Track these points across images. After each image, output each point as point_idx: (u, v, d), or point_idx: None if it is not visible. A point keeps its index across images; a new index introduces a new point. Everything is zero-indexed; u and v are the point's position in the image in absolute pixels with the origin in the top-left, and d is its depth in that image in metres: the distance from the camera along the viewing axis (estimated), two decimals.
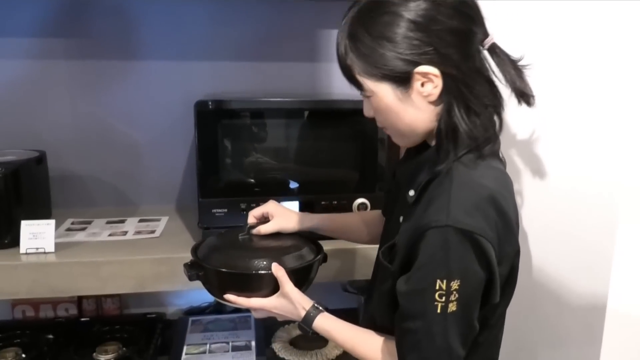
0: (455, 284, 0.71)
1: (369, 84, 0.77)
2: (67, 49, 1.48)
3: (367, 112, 0.83)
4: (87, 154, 1.53)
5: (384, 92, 0.77)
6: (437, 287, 0.71)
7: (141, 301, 1.61)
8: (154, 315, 1.54)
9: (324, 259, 1.02)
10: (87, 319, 1.52)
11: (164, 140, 1.56)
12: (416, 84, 0.75)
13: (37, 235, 1.20)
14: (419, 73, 0.74)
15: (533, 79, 0.82)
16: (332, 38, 1.58)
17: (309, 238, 1.04)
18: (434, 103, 0.76)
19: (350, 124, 1.28)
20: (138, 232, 1.34)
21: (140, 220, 1.43)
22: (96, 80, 1.51)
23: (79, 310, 1.55)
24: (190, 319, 1.55)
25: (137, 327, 1.47)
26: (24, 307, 1.53)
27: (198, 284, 1.00)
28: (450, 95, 0.75)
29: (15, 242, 1.20)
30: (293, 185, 1.29)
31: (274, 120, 1.29)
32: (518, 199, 1.06)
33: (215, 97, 1.25)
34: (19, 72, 1.47)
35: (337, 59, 0.80)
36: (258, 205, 1.23)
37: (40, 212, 1.36)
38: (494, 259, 0.73)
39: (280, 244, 0.99)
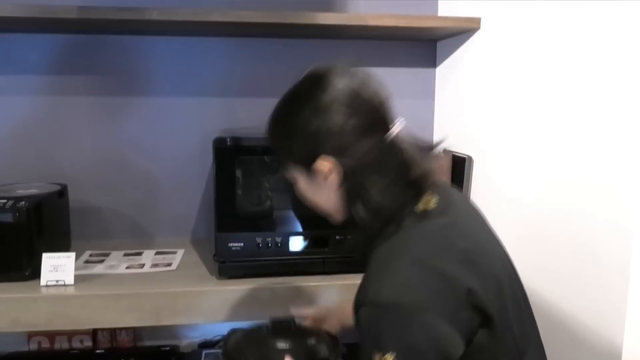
0: (390, 357, 0.71)
1: (289, 170, 0.87)
2: (88, 86, 1.54)
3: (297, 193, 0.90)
4: (106, 186, 1.57)
5: (298, 177, 0.86)
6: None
7: (155, 333, 1.62)
8: (167, 348, 1.55)
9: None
10: (102, 350, 1.53)
11: (180, 173, 1.59)
12: (318, 172, 0.81)
13: (57, 267, 1.22)
14: (319, 162, 0.80)
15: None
16: None
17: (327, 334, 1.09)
18: (339, 188, 0.82)
19: None
20: (155, 265, 1.36)
21: (157, 253, 1.45)
22: (116, 115, 1.56)
23: (94, 342, 1.56)
24: (204, 351, 1.55)
25: (152, 359, 1.47)
26: (40, 338, 1.54)
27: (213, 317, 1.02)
28: (349, 182, 0.80)
29: (35, 274, 1.22)
30: (309, 220, 1.31)
31: None
32: (526, 243, 1.08)
33: (231, 134, 1.29)
34: (42, 108, 1.53)
35: None
36: (274, 240, 1.26)
37: (60, 244, 1.39)
38: (428, 320, 0.73)
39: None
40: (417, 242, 0.79)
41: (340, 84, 0.82)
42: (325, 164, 0.80)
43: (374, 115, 0.82)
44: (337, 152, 0.80)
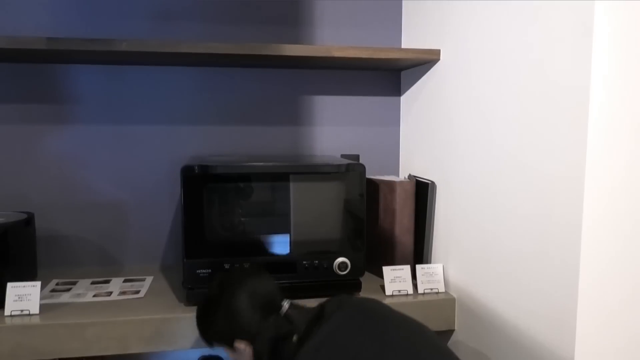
0: None
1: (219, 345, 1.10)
2: (56, 114, 1.54)
3: None
4: (74, 214, 1.57)
5: (226, 350, 1.08)
6: None
7: None
8: None
9: None
10: None
11: (150, 200, 1.60)
12: (238, 349, 1.05)
13: (22, 297, 1.21)
14: (237, 343, 1.05)
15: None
16: (312, 103, 1.69)
17: None
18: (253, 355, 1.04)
19: (333, 186, 1.35)
20: (123, 293, 1.36)
21: (125, 280, 1.45)
22: (84, 143, 1.56)
23: None
24: None
25: None
26: None
27: (180, 344, 1.03)
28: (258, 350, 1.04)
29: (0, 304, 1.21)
30: (276, 246, 1.33)
31: (257, 184, 1.34)
32: (487, 265, 1.13)
33: (200, 162, 1.31)
34: (9, 137, 1.53)
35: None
36: (242, 265, 1.28)
37: (26, 272, 1.38)
38: None
39: None
40: None
41: (244, 289, 1.06)
42: (241, 344, 1.04)
43: (270, 304, 1.06)
44: (248, 337, 1.04)
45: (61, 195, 1.56)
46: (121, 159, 1.58)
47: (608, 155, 0.91)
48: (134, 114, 1.58)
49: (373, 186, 1.51)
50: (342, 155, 1.67)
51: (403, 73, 1.71)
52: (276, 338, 1.02)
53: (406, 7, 1.68)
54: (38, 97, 1.53)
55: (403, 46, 1.69)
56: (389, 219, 1.47)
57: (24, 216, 1.39)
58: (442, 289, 1.38)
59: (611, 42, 0.90)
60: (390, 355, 0.89)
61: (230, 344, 1.06)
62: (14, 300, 1.21)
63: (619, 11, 0.89)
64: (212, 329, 1.09)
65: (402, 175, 1.72)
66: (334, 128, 1.70)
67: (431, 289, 1.37)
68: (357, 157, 1.66)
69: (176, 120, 1.60)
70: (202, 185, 1.27)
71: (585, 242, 0.92)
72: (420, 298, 1.35)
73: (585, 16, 0.90)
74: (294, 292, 1.30)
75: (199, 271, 1.27)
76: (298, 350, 0.96)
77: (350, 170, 1.33)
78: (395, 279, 1.36)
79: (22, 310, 1.20)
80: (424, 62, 1.50)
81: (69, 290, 1.37)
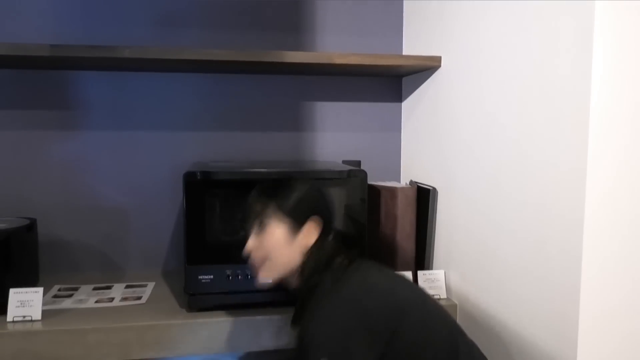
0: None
1: (273, 222, 1.06)
2: (58, 120, 1.55)
3: (250, 248, 1.09)
4: (76, 219, 1.57)
5: (279, 230, 1.06)
6: None
7: None
8: None
9: None
10: None
11: (152, 206, 1.61)
12: (304, 229, 1.06)
13: (24, 303, 1.22)
14: (309, 222, 1.06)
15: None
16: (314, 109, 1.69)
17: None
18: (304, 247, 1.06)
19: (334, 192, 1.35)
20: (124, 299, 1.36)
21: (127, 286, 1.45)
22: (86, 149, 1.57)
23: None
24: None
25: None
26: None
27: (182, 351, 1.03)
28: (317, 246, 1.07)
29: (2, 309, 1.21)
30: None
31: None
32: (488, 270, 1.13)
33: (202, 168, 1.31)
34: (12, 142, 1.53)
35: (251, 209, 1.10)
36: (244, 272, 1.28)
37: (28, 278, 1.39)
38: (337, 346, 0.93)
39: None
40: (349, 289, 1.02)
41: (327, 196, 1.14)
42: (312, 224, 1.07)
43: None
44: (326, 222, 1.09)
45: (63, 201, 1.57)
46: (123, 165, 1.59)
47: (610, 163, 0.92)
48: (136, 120, 1.59)
49: (374, 192, 1.51)
50: (344, 161, 1.67)
51: (404, 79, 1.72)
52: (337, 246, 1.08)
53: (407, 14, 1.69)
54: (41, 103, 1.54)
55: (404, 53, 1.70)
56: (391, 224, 1.48)
57: (27, 222, 1.40)
58: (443, 295, 1.38)
59: (611, 46, 0.90)
60: (420, 296, 1.05)
61: (302, 220, 1.06)
62: (16, 306, 1.21)
63: (619, 14, 0.90)
64: (297, 199, 1.08)
65: (404, 181, 1.72)
66: (335, 134, 1.70)
67: (433, 295, 1.37)
68: (358, 163, 1.66)
69: (178, 126, 1.61)
70: (204, 191, 1.27)
71: (587, 249, 0.92)
72: None
73: (585, 21, 0.90)
74: (295, 298, 1.31)
75: (201, 277, 1.27)
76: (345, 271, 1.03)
77: (351, 176, 1.34)
78: None
79: (24, 316, 1.21)
80: (425, 68, 1.50)
81: (71, 296, 1.38)
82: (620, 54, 0.90)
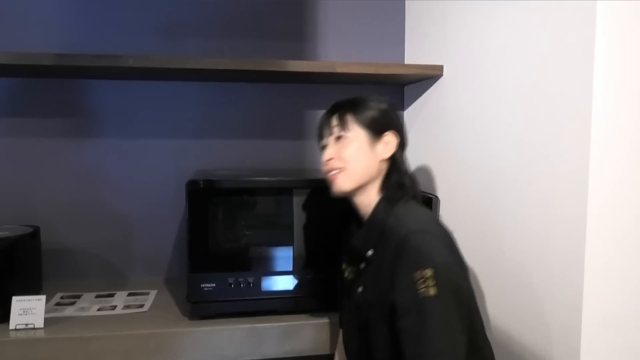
0: (429, 271, 0.90)
1: (354, 128, 1.08)
2: (63, 128, 1.56)
3: (332, 153, 1.09)
4: (79, 227, 1.58)
5: (360, 136, 1.08)
6: (418, 278, 0.90)
7: None
8: None
9: None
10: None
11: (155, 214, 1.61)
12: (383, 141, 1.08)
13: (27, 311, 1.22)
14: (388, 134, 1.09)
15: None
16: (317, 118, 1.68)
17: None
18: (384, 160, 1.09)
19: (336, 200, 1.35)
20: (127, 307, 1.36)
21: (130, 294, 1.45)
22: (90, 157, 1.58)
23: None
24: None
25: None
26: None
27: (184, 359, 1.02)
28: (398, 160, 1.10)
29: (5, 317, 1.21)
30: (280, 260, 1.34)
31: (262, 198, 1.35)
32: (489, 279, 1.13)
33: (205, 176, 1.32)
34: (16, 150, 1.54)
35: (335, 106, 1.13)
36: (246, 279, 1.28)
37: (31, 286, 1.39)
38: (445, 248, 0.96)
39: None
40: (430, 215, 1.10)
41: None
42: (390, 136, 1.09)
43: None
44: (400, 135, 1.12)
45: (67, 208, 1.57)
46: (127, 173, 1.59)
47: (611, 176, 0.92)
48: (140, 128, 1.60)
49: None
50: None
51: (406, 88, 1.72)
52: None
53: (409, 24, 1.70)
54: (44, 111, 1.55)
55: (406, 62, 1.70)
56: None
57: (30, 229, 1.41)
58: None
59: (612, 56, 0.90)
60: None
61: (380, 132, 1.08)
62: (19, 314, 1.21)
63: (621, 25, 0.90)
64: (376, 112, 1.10)
65: None
66: None
67: None
68: None
69: (182, 134, 1.62)
70: (206, 199, 1.28)
71: (589, 260, 0.92)
72: None
73: (587, 31, 0.91)
74: (298, 306, 1.31)
75: (203, 285, 1.27)
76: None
77: None
78: None
79: (26, 324, 1.21)
80: (427, 77, 1.51)
81: (73, 303, 1.38)
82: (621, 64, 0.91)
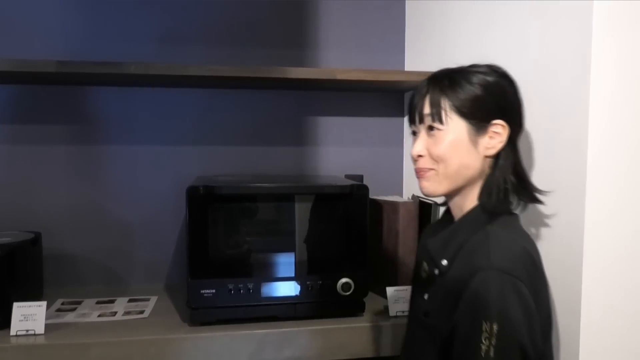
0: (496, 327, 0.76)
1: (451, 118, 0.89)
2: (64, 134, 1.57)
3: (421, 149, 0.92)
4: (80, 233, 1.59)
5: (458, 129, 0.89)
6: (483, 330, 0.77)
7: None
8: None
9: None
10: None
11: (155, 220, 1.62)
12: (489, 132, 0.89)
13: (28, 317, 1.22)
14: (495, 124, 0.89)
15: None
16: (317, 124, 1.71)
17: None
18: (490, 156, 0.90)
19: (336, 207, 1.35)
20: (127, 313, 1.36)
21: (130, 300, 1.45)
22: (91, 163, 1.59)
23: None
24: None
25: None
26: None
27: None
28: (507, 157, 0.90)
29: (5, 323, 1.21)
30: (280, 267, 1.34)
31: (261, 204, 1.35)
32: None
33: (205, 182, 1.32)
34: (18, 157, 1.55)
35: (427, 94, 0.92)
36: (245, 285, 1.28)
37: (32, 292, 1.39)
38: (530, 302, 0.79)
39: None
40: (527, 241, 0.88)
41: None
42: (500, 127, 0.89)
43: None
44: (511, 124, 0.91)
45: (68, 214, 1.58)
46: (128, 179, 1.60)
47: (610, 173, 0.92)
48: (140, 135, 1.61)
49: (376, 207, 1.52)
50: (346, 176, 1.68)
51: (406, 94, 1.73)
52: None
53: (409, 30, 1.71)
54: (46, 118, 1.56)
55: (406, 68, 1.71)
56: (393, 239, 1.48)
57: (31, 236, 1.41)
58: None
59: (609, 63, 0.91)
60: None
61: (485, 121, 0.88)
62: (19, 320, 1.21)
63: (618, 33, 0.91)
64: (478, 95, 0.89)
65: (406, 195, 1.73)
66: (338, 148, 1.72)
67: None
68: (361, 177, 1.67)
69: (182, 140, 1.63)
70: (206, 205, 1.28)
71: (587, 264, 0.92)
72: None
73: (584, 35, 0.92)
74: (298, 313, 1.31)
75: (203, 291, 1.27)
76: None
77: (353, 191, 1.34)
78: (399, 300, 1.36)
79: (27, 330, 1.21)
80: None
81: (74, 310, 1.38)
82: (618, 71, 0.91)
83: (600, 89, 0.91)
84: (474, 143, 0.88)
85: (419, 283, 0.99)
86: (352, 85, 1.54)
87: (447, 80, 0.91)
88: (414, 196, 1.57)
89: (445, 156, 0.89)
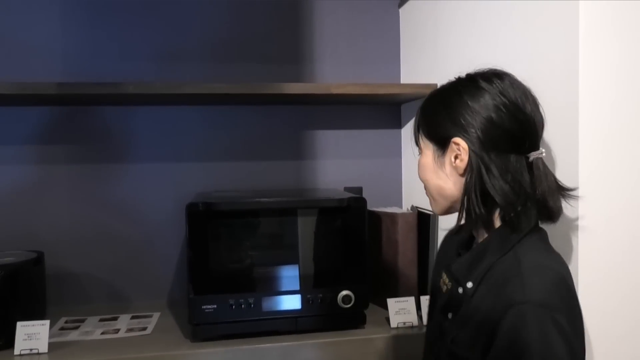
0: None
1: (422, 141, 0.92)
2: (67, 154, 1.59)
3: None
4: (83, 251, 1.60)
5: (428, 152, 0.90)
6: None
7: None
8: None
9: None
10: None
11: (157, 237, 1.63)
12: (451, 150, 0.85)
13: (31, 336, 1.23)
14: (453, 142, 0.85)
15: None
16: (315, 138, 1.72)
17: None
18: (461, 175, 0.85)
19: (335, 219, 1.37)
20: (130, 330, 1.37)
21: (133, 317, 1.46)
22: (93, 182, 1.60)
23: None
24: None
25: None
26: None
27: None
28: (472, 176, 0.83)
29: (9, 343, 1.23)
30: (281, 281, 1.35)
31: (260, 219, 1.37)
32: None
33: (205, 199, 1.34)
34: (21, 177, 1.57)
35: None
36: (246, 300, 1.28)
37: (36, 311, 1.40)
38: (571, 334, 0.73)
39: None
40: (560, 265, 0.82)
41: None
42: (460, 147, 0.84)
43: (526, 128, 0.84)
44: (474, 143, 0.83)
45: (70, 233, 1.59)
46: (129, 197, 1.62)
47: (602, 182, 0.93)
48: (141, 152, 1.62)
49: (375, 218, 1.53)
50: (345, 188, 1.69)
51: (403, 106, 1.75)
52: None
53: (404, 44, 1.73)
54: (47, 138, 1.58)
55: (402, 81, 1.73)
56: (392, 250, 1.49)
57: (34, 255, 1.42)
58: None
59: (596, 76, 0.92)
60: None
61: (443, 141, 0.86)
62: (23, 340, 1.23)
63: (605, 49, 0.92)
64: (451, 108, 0.86)
65: (406, 206, 1.74)
66: (336, 161, 1.73)
67: None
68: (360, 189, 1.68)
69: (182, 157, 1.64)
70: (206, 222, 1.29)
71: (584, 269, 0.93)
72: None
73: (571, 47, 0.93)
74: (299, 326, 1.32)
75: (205, 307, 1.28)
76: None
77: (351, 204, 1.35)
78: (400, 311, 1.37)
79: (31, 349, 1.22)
80: (423, 96, 1.51)
81: (77, 328, 1.39)
82: (605, 83, 0.93)
83: (588, 99, 0.92)
84: (440, 164, 0.88)
85: (439, 294, 0.95)
86: (349, 98, 1.56)
87: (424, 104, 0.92)
88: (412, 207, 1.58)
89: (422, 179, 0.93)
